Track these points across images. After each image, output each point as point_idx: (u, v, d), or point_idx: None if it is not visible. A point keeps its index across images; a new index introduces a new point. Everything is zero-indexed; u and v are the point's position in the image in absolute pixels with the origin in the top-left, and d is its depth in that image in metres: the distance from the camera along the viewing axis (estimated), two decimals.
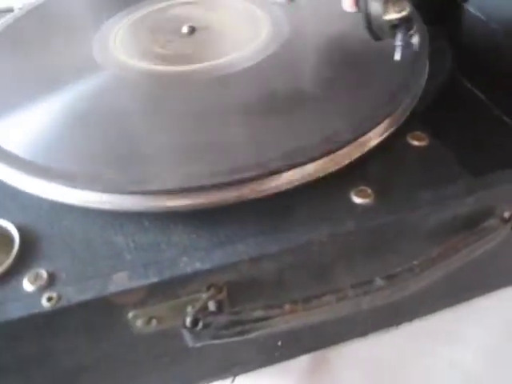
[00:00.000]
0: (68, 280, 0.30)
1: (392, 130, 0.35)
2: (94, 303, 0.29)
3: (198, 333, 0.28)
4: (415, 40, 0.34)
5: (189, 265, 0.29)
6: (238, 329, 0.29)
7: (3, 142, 0.35)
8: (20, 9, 0.51)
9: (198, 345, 0.29)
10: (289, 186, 0.32)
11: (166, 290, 0.29)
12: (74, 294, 0.29)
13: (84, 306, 0.28)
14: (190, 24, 0.43)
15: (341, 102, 0.36)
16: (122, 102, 0.37)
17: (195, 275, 0.29)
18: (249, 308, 0.30)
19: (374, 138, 0.34)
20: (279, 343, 0.35)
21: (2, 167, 0.34)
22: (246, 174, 0.31)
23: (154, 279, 0.29)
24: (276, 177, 0.31)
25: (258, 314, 0.30)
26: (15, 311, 0.28)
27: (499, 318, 0.39)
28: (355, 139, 0.33)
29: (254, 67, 0.38)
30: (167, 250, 0.31)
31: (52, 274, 0.30)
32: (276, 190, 0.31)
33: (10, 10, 0.52)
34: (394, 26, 0.33)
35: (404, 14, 0.33)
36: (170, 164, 0.32)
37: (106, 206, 0.31)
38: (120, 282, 0.29)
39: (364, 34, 0.35)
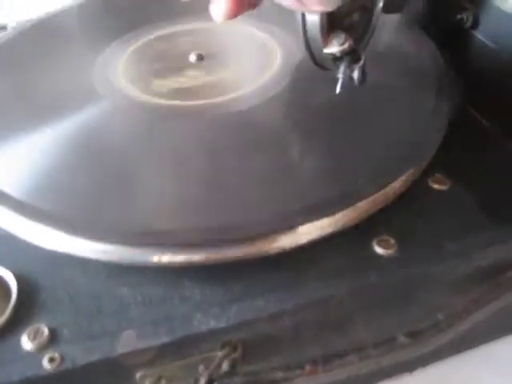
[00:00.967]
0: (71, 337, 0.27)
1: (415, 177, 0.33)
2: (100, 365, 0.26)
3: None
4: (356, 74, 0.32)
5: (203, 323, 0.27)
6: None
7: None
8: (14, 28, 0.49)
9: None
10: (308, 240, 0.29)
11: (177, 349, 0.27)
12: (79, 355, 0.27)
13: (89, 367, 0.26)
14: (198, 52, 0.41)
15: (362, 152, 0.33)
16: (125, 140, 0.35)
17: (210, 334, 0.27)
18: (267, 368, 0.28)
19: (397, 187, 0.32)
20: None
21: None
22: (265, 229, 0.29)
23: (166, 339, 0.27)
24: (295, 231, 0.29)
25: (278, 375, 0.28)
26: (13, 374, 0.26)
27: None
28: (378, 191, 0.31)
29: (264, 105, 0.36)
30: (179, 306, 0.29)
31: (53, 330, 0.28)
32: (295, 245, 0.29)
33: (3, 28, 0.49)
34: (337, 58, 0.32)
35: (345, 47, 0.31)
36: (181, 215, 0.30)
37: (111, 258, 0.29)
38: (128, 341, 0.27)
39: (383, 80, 0.34)
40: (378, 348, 0.29)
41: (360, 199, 0.31)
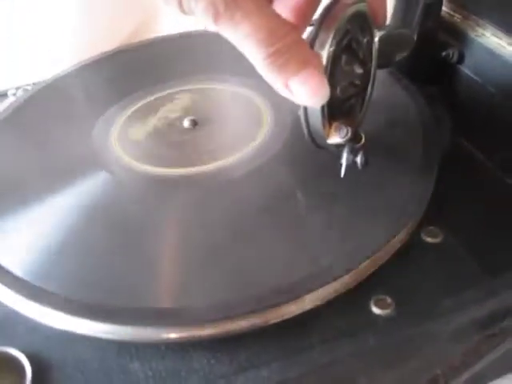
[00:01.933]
0: None
1: (409, 233, 0.34)
2: None
3: None
4: (359, 159, 0.34)
5: None
6: None
7: (6, 261, 0.34)
8: (14, 95, 0.50)
9: None
10: (311, 307, 0.31)
11: None
12: None
13: None
14: (192, 118, 0.42)
15: (360, 216, 0.35)
16: (124, 214, 0.36)
17: None
18: None
19: (394, 245, 0.33)
20: None
21: (6, 290, 0.32)
22: (270, 302, 0.30)
23: None
24: (299, 300, 0.30)
25: None
26: None
27: None
28: (377, 251, 0.32)
29: (257, 172, 0.38)
30: (188, 379, 0.30)
31: None
32: (299, 313, 0.30)
33: (4, 95, 0.51)
34: (339, 145, 0.33)
35: (347, 138, 0.32)
36: (187, 293, 0.31)
37: (122, 338, 0.30)
38: None
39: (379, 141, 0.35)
40: None
41: (362, 260, 0.32)
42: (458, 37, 0.53)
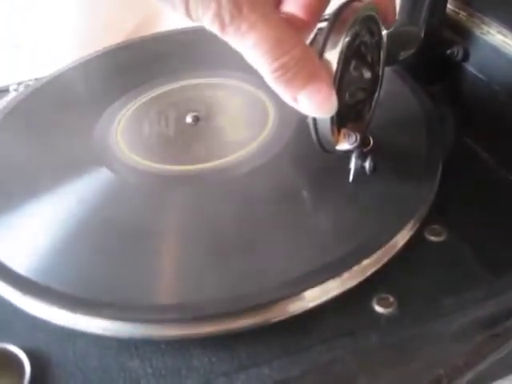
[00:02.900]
0: None
1: (413, 231, 0.34)
2: None
3: None
4: (367, 164, 0.34)
5: None
6: None
7: (6, 258, 0.33)
8: (15, 90, 0.50)
9: None
10: (313, 305, 0.30)
11: None
12: None
13: None
14: (194, 113, 0.42)
15: (363, 214, 0.35)
16: (128, 212, 0.36)
17: None
18: None
19: (397, 244, 0.33)
20: None
21: (6, 287, 0.32)
22: (271, 298, 0.30)
23: None
24: (301, 298, 0.30)
25: None
26: None
27: None
28: (380, 248, 0.32)
29: (262, 169, 0.37)
30: (188, 376, 0.29)
31: None
32: (301, 310, 0.30)
33: (5, 90, 0.51)
34: (347, 150, 0.33)
35: (356, 144, 0.32)
36: (188, 290, 0.31)
37: (122, 335, 0.30)
38: None
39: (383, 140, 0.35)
40: None
41: (365, 258, 0.32)
42: (463, 34, 0.52)
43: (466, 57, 0.53)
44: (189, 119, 0.42)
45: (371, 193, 0.36)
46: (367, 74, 0.34)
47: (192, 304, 0.30)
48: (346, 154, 0.34)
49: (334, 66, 0.30)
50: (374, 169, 0.34)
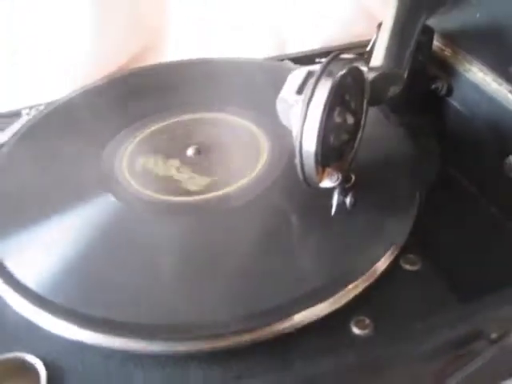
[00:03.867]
0: None
1: (390, 260, 0.38)
2: None
3: None
4: (348, 200, 0.38)
5: None
6: None
7: (21, 275, 0.37)
8: (27, 114, 0.53)
9: None
10: (300, 326, 0.34)
11: None
12: None
13: None
14: (195, 146, 0.46)
15: (346, 243, 0.39)
16: (132, 234, 0.40)
17: None
18: None
19: (377, 270, 0.37)
20: None
21: (22, 301, 0.36)
22: (264, 321, 0.34)
23: None
24: (290, 319, 0.34)
25: None
26: None
27: None
28: (362, 275, 0.36)
29: (255, 201, 0.42)
30: None
31: None
32: (288, 331, 0.34)
33: (18, 115, 0.54)
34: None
35: (338, 182, 0.37)
36: (187, 311, 0.35)
37: (124, 349, 0.34)
38: None
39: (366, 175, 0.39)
40: None
41: (348, 284, 0.36)
42: (448, 70, 0.56)
43: (449, 92, 0.56)
44: (190, 151, 0.46)
45: (354, 224, 0.39)
46: (350, 120, 0.38)
47: (190, 324, 0.34)
48: (329, 191, 0.38)
49: (319, 115, 0.34)
50: (354, 204, 0.37)
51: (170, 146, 0.48)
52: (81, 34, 0.64)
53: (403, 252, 0.39)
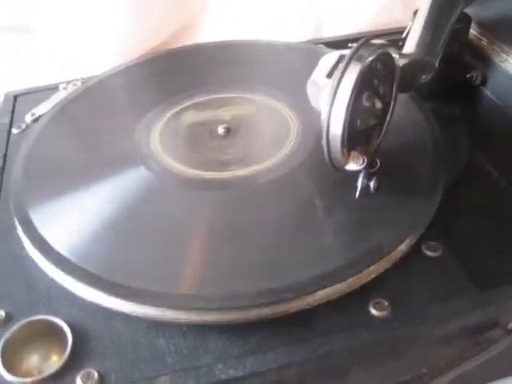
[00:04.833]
0: (116, 382, 0.33)
1: (411, 245, 0.38)
2: None
3: None
4: (372, 183, 0.38)
5: (223, 372, 0.33)
6: None
7: (54, 241, 0.39)
8: (64, 88, 0.55)
9: None
10: (319, 303, 0.35)
11: None
12: None
13: None
14: (225, 125, 0.47)
15: (368, 226, 0.39)
16: (162, 207, 0.41)
17: (228, 382, 0.33)
18: None
19: (396, 255, 0.38)
20: None
21: (53, 267, 0.38)
22: (284, 296, 0.35)
23: None
24: (310, 296, 0.35)
25: None
26: None
27: None
28: (382, 258, 0.37)
29: (283, 179, 0.43)
30: (204, 356, 0.34)
31: (102, 374, 0.34)
32: (308, 307, 0.35)
33: (54, 88, 0.56)
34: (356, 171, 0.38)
35: (363, 166, 0.37)
36: (211, 282, 0.36)
37: (152, 317, 0.35)
38: None
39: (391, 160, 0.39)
40: None
41: (368, 265, 0.37)
42: (483, 60, 0.56)
43: (484, 82, 0.56)
44: (221, 130, 0.47)
45: (378, 207, 0.40)
46: (378, 105, 0.38)
47: (212, 296, 0.35)
48: (355, 173, 0.38)
49: (348, 97, 0.34)
50: (378, 188, 0.38)
51: (202, 123, 0.49)
52: (120, 12, 0.65)
53: (425, 238, 0.40)
